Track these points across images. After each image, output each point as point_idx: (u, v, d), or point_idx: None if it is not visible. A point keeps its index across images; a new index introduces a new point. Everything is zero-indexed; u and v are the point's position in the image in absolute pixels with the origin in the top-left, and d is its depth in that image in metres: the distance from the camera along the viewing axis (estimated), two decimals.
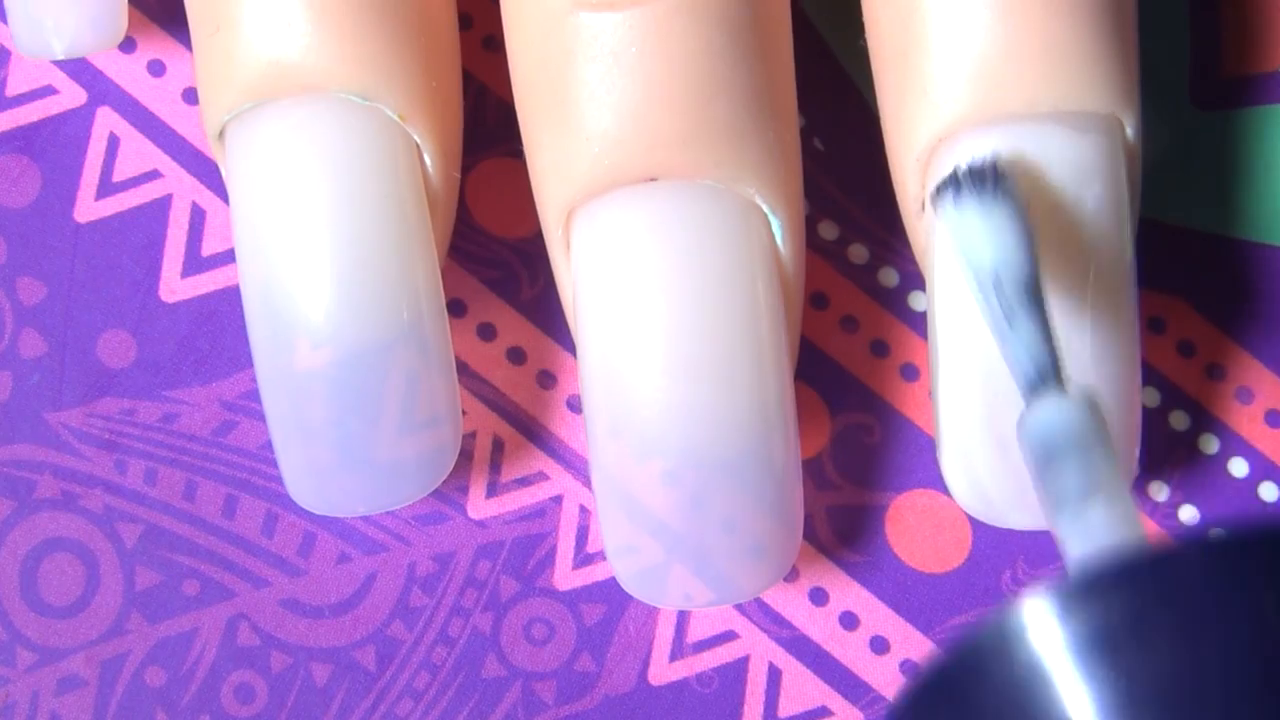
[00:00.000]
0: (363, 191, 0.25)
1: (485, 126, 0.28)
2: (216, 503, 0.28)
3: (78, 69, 0.29)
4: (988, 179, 0.23)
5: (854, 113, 0.28)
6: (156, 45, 0.29)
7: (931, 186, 0.25)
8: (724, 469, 0.25)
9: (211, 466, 0.28)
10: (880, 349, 0.28)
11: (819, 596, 0.28)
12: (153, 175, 0.29)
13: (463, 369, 0.28)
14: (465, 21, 0.29)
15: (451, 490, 0.28)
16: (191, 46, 0.26)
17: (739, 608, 0.28)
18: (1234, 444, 0.28)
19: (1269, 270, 0.28)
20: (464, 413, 0.28)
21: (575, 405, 0.28)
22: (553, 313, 0.28)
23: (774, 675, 0.28)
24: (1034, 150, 0.24)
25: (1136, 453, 0.26)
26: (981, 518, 0.26)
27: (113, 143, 0.29)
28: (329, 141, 0.25)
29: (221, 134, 0.26)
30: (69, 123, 0.29)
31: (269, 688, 0.28)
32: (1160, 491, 0.28)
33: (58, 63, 0.29)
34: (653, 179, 0.25)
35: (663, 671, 0.28)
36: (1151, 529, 0.28)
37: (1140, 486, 0.28)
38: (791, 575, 0.28)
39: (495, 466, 0.28)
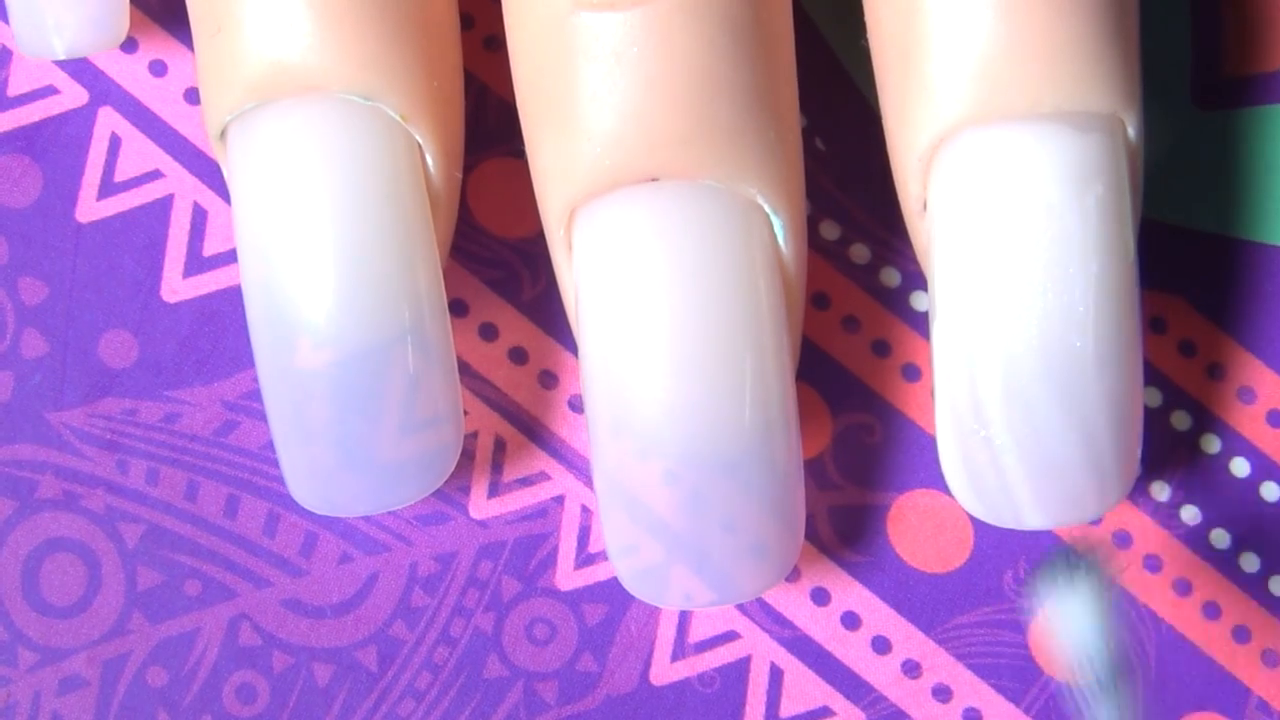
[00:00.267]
0: (364, 191, 0.25)
1: (487, 126, 0.28)
2: (218, 503, 0.28)
3: (79, 69, 0.29)
4: (1079, 564, 0.24)
5: (855, 112, 0.28)
6: (158, 45, 0.29)
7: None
8: (725, 469, 0.25)
9: (213, 466, 0.28)
10: (882, 349, 0.28)
11: (821, 596, 0.28)
12: (154, 175, 0.29)
13: (464, 369, 0.28)
14: (466, 21, 0.29)
15: (453, 490, 0.28)
16: (193, 46, 0.26)
17: (741, 608, 0.28)
18: (1235, 444, 0.28)
19: (1270, 270, 0.28)
20: (465, 413, 0.28)
21: (577, 405, 0.28)
22: (554, 313, 0.28)
23: (776, 675, 0.28)
24: (1036, 150, 0.24)
25: (1138, 453, 0.26)
26: (983, 518, 0.26)
27: (114, 143, 0.29)
28: (331, 142, 0.25)
29: (223, 134, 0.26)
30: (70, 123, 0.29)
31: (271, 688, 0.28)
32: (1162, 491, 0.28)
33: (59, 63, 0.29)
34: (654, 179, 0.25)
35: (664, 671, 0.28)
36: (1152, 530, 0.28)
37: (1142, 486, 0.28)
38: (793, 575, 0.28)
39: (497, 466, 0.28)
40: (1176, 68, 0.28)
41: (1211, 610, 0.28)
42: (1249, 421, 0.28)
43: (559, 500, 0.28)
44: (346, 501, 0.26)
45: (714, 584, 0.26)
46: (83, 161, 0.29)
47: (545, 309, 0.28)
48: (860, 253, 0.28)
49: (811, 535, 0.28)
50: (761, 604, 0.28)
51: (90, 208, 0.28)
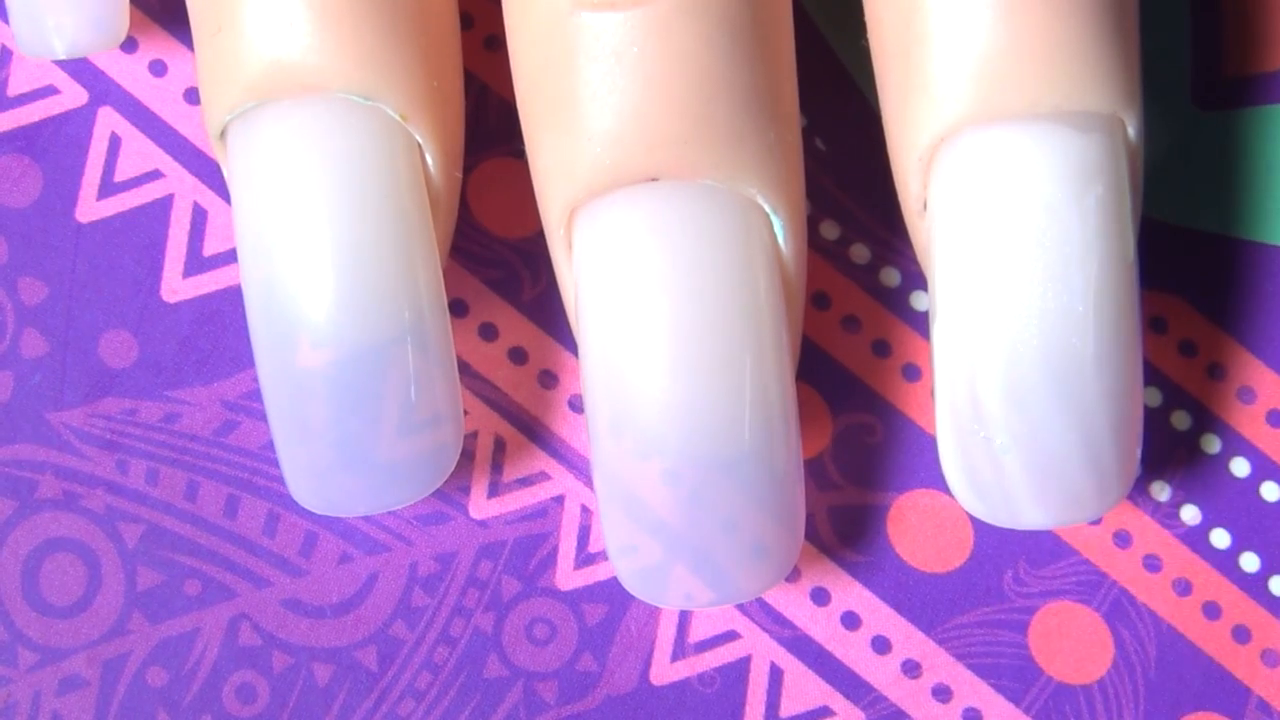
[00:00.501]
0: (364, 191, 0.25)
1: (487, 126, 0.28)
2: (218, 503, 0.28)
3: (79, 69, 0.29)
4: None
5: (855, 112, 0.28)
6: (158, 45, 0.29)
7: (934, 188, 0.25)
8: (725, 468, 0.25)
9: (213, 466, 0.28)
10: (882, 349, 0.28)
11: (821, 596, 0.28)
12: (154, 175, 0.29)
13: (464, 369, 0.28)
14: (466, 21, 0.29)
15: (453, 490, 0.28)
16: (193, 46, 0.26)
17: (740, 608, 0.28)
18: (1236, 444, 0.28)
19: (1271, 270, 0.28)
20: (465, 413, 0.28)
21: (577, 405, 0.28)
22: (554, 313, 0.28)
23: (776, 675, 0.28)
24: (1036, 150, 0.24)
25: (1138, 453, 0.26)
26: (983, 518, 0.26)
27: (114, 143, 0.29)
28: (331, 141, 0.25)
29: (223, 134, 0.26)
30: (70, 123, 0.29)
31: (271, 688, 0.28)
32: (1162, 491, 0.28)
33: (59, 62, 0.29)
34: (654, 179, 0.25)
35: (664, 671, 0.28)
36: (1153, 530, 0.28)
37: (1142, 486, 0.28)
38: (793, 575, 0.28)
39: (497, 466, 0.28)
40: (1176, 68, 0.28)
41: (1211, 610, 0.28)
42: (1249, 421, 0.28)
43: (559, 500, 0.28)
44: (346, 501, 0.26)
45: (714, 584, 0.26)
46: (83, 161, 0.29)
47: (545, 309, 0.28)
48: (860, 252, 0.28)
49: (811, 535, 0.28)
50: (761, 604, 0.28)
51: (90, 207, 0.28)
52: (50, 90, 0.29)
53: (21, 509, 0.28)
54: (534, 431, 0.28)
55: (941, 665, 0.28)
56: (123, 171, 0.29)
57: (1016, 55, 0.24)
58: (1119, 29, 0.25)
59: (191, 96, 0.29)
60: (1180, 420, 0.28)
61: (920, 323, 0.28)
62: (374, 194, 0.25)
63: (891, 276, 0.28)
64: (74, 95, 0.29)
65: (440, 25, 0.26)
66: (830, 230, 0.28)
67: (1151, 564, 0.28)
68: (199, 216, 0.29)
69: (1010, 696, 0.28)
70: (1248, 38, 0.29)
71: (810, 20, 0.28)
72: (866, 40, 0.26)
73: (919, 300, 0.28)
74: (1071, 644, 0.28)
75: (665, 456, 0.25)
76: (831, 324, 0.28)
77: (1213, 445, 0.28)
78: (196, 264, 0.28)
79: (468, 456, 0.28)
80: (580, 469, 0.28)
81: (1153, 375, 0.28)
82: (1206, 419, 0.28)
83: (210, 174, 0.29)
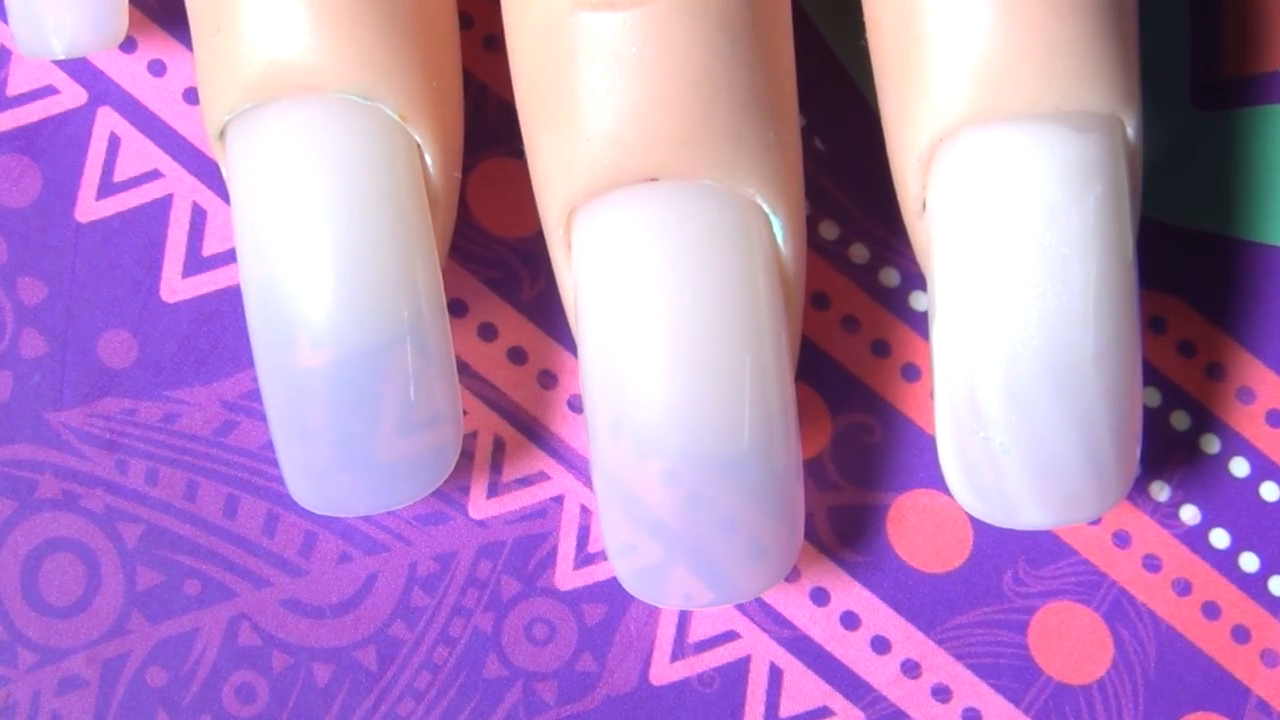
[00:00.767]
0: (363, 191, 0.25)
1: (486, 126, 0.28)
2: (217, 503, 0.28)
3: (78, 69, 0.29)
4: None
5: (855, 112, 0.28)
6: (157, 45, 0.29)
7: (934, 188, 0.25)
8: (724, 468, 0.25)
9: (212, 466, 0.28)
10: (881, 349, 0.28)
11: (820, 596, 0.28)
12: (153, 175, 0.29)
13: (463, 369, 0.28)
14: (465, 21, 0.29)
15: (452, 490, 0.28)
16: (192, 46, 0.26)
17: (740, 608, 0.28)
18: (1235, 444, 0.28)
19: (1269, 270, 0.28)
20: (465, 413, 0.28)
21: (576, 405, 0.28)
22: (554, 313, 0.28)
23: (775, 675, 0.28)
24: (1034, 150, 0.24)
25: (1138, 453, 0.26)
26: (982, 518, 0.26)
27: (113, 142, 0.29)
28: (330, 141, 0.25)
29: (222, 134, 0.26)
30: (70, 122, 0.29)
31: (270, 688, 0.28)
32: (1161, 491, 0.28)
33: (58, 62, 0.29)
34: (653, 179, 0.25)
35: (664, 671, 0.28)
36: (1152, 530, 0.28)
37: (1141, 486, 0.28)
38: (793, 575, 0.28)
39: (496, 466, 0.28)
40: (1175, 68, 0.28)
41: (1211, 610, 0.28)
42: (1248, 421, 0.28)
43: (558, 500, 0.28)
44: (346, 501, 0.26)
45: (713, 584, 0.26)
46: (82, 161, 0.29)
47: (544, 309, 0.28)
48: (859, 253, 0.28)
49: (811, 535, 0.28)
50: (761, 604, 0.28)
51: (89, 207, 0.28)
52: (49, 90, 0.29)
53: (21, 509, 0.28)
54: (533, 431, 0.28)
55: (941, 665, 0.28)
56: (122, 171, 0.29)
57: (1015, 55, 0.24)
58: (1118, 29, 0.25)
59: (191, 96, 0.29)
60: (1179, 420, 0.28)
61: (919, 323, 0.28)
62: (373, 194, 0.25)
63: (891, 276, 0.28)
64: (73, 95, 0.29)
65: (439, 25, 0.26)
66: (829, 230, 0.28)
67: (1151, 564, 0.28)
68: (198, 216, 0.29)
69: (1010, 696, 0.28)
70: (1246, 38, 0.29)
71: (810, 20, 0.28)
72: (866, 40, 0.26)
73: (918, 300, 0.28)
74: (1071, 644, 0.28)
75: (664, 456, 0.25)
76: (831, 324, 0.28)
77: (1212, 445, 0.28)
78: (196, 264, 0.28)
79: (467, 456, 0.28)
80: (579, 469, 0.28)
81: (1152, 375, 0.28)
82: (1206, 419, 0.28)
83: (209, 174, 0.29)
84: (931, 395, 0.26)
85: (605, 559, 0.28)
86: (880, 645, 0.28)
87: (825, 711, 0.28)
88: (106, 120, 0.29)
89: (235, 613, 0.28)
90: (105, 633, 0.28)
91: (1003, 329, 0.25)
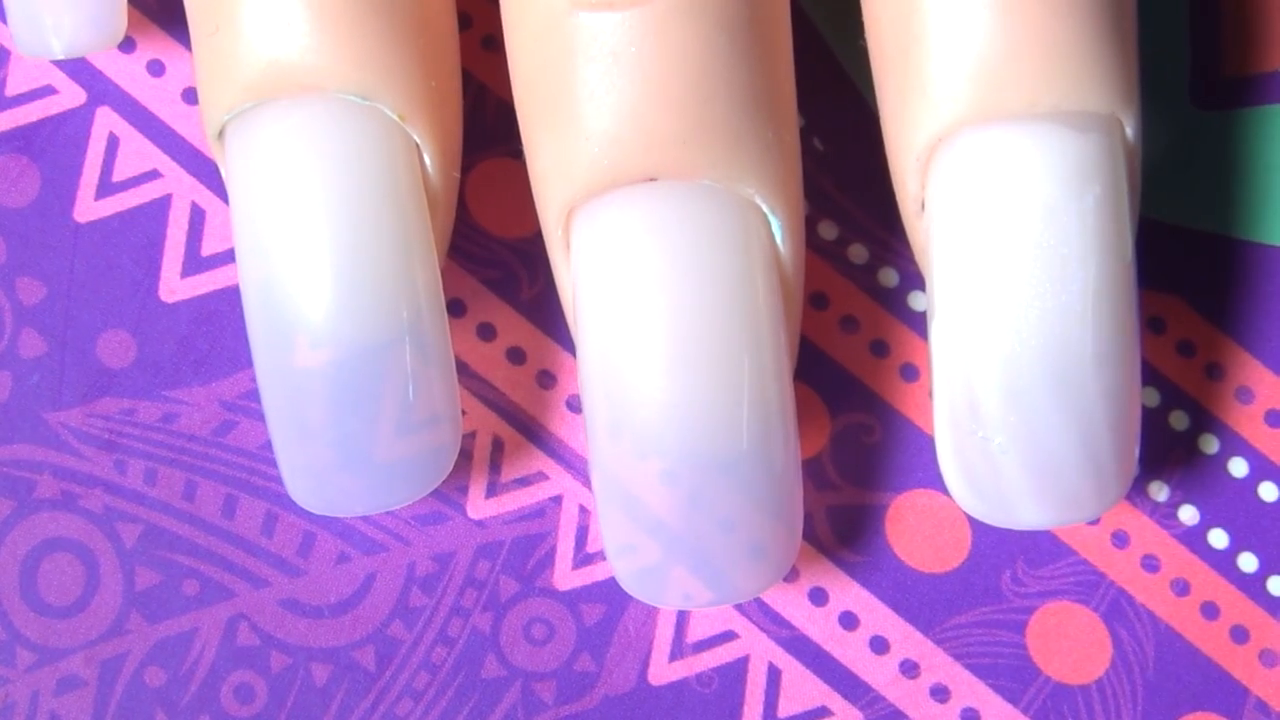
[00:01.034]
0: (362, 191, 0.25)
1: (485, 126, 0.28)
2: (216, 503, 0.28)
3: (77, 69, 0.29)
4: None
5: (854, 112, 0.28)
6: (156, 45, 0.29)
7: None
8: (724, 468, 0.25)
9: (211, 466, 0.28)
10: (880, 349, 0.28)
11: (819, 596, 0.28)
12: (152, 175, 0.29)
13: (462, 369, 0.28)
14: (464, 21, 0.29)
15: (451, 490, 0.28)
16: (191, 46, 0.26)
17: (739, 608, 0.28)
18: (1234, 444, 0.28)
19: (1269, 270, 0.28)
20: (464, 413, 0.28)
21: (575, 405, 0.28)
22: (552, 313, 0.28)
23: (774, 675, 0.28)
24: (1034, 150, 0.24)
25: (1136, 453, 0.26)
26: (981, 518, 0.26)
27: (112, 142, 0.29)
28: (328, 141, 0.25)
29: (221, 134, 0.26)
30: (69, 122, 0.29)
31: (269, 688, 0.28)
32: (1160, 491, 0.28)
33: (57, 62, 0.29)
34: (652, 179, 0.25)
35: (662, 671, 0.28)
36: (1151, 530, 0.28)
37: (1140, 486, 0.28)
38: (791, 575, 0.28)
39: (495, 466, 0.28)
40: (1174, 68, 0.28)
41: (1210, 610, 0.28)
42: (1247, 421, 0.28)
43: (557, 500, 0.28)
44: (344, 501, 0.26)
45: (712, 584, 0.26)
46: (81, 161, 0.29)
47: (543, 309, 0.28)
48: (858, 253, 0.28)
49: (810, 535, 0.28)
50: (760, 604, 0.28)
51: (88, 207, 0.28)
52: (48, 90, 0.29)
53: (20, 509, 0.28)
54: (532, 431, 0.28)
55: (940, 665, 0.28)
56: (121, 171, 0.29)
57: (1014, 55, 0.24)
58: (1117, 29, 0.25)
59: (189, 96, 0.29)
60: (1178, 420, 0.28)
61: (918, 323, 0.28)
62: (372, 194, 0.25)
63: (890, 276, 0.28)
64: (72, 95, 0.29)
65: (438, 25, 0.26)
66: (828, 230, 0.28)
67: (1150, 564, 0.28)
68: (197, 216, 0.29)
69: (1008, 696, 0.28)
70: (1246, 38, 0.29)
71: (809, 20, 0.28)
72: (865, 40, 0.26)
73: (917, 300, 0.28)
74: (1070, 644, 0.28)
75: (663, 457, 0.25)
76: (830, 324, 0.28)
77: (1211, 445, 0.28)
78: (195, 264, 0.28)
79: (466, 456, 0.28)
80: (578, 469, 0.28)
81: (1151, 375, 0.28)
82: (1204, 419, 0.28)
83: (208, 174, 0.29)
84: (930, 395, 0.26)
85: (604, 559, 0.28)
86: (879, 645, 0.28)
87: (824, 711, 0.28)
88: (105, 120, 0.29)
89: (234, 613, 0.28)
90: (104, 633, 0.28)
91: (1001, 329, 0.25)
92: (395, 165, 0.25)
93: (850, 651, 0.28)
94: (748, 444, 0.25)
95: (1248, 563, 0.28)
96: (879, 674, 0.28)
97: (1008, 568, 0.28)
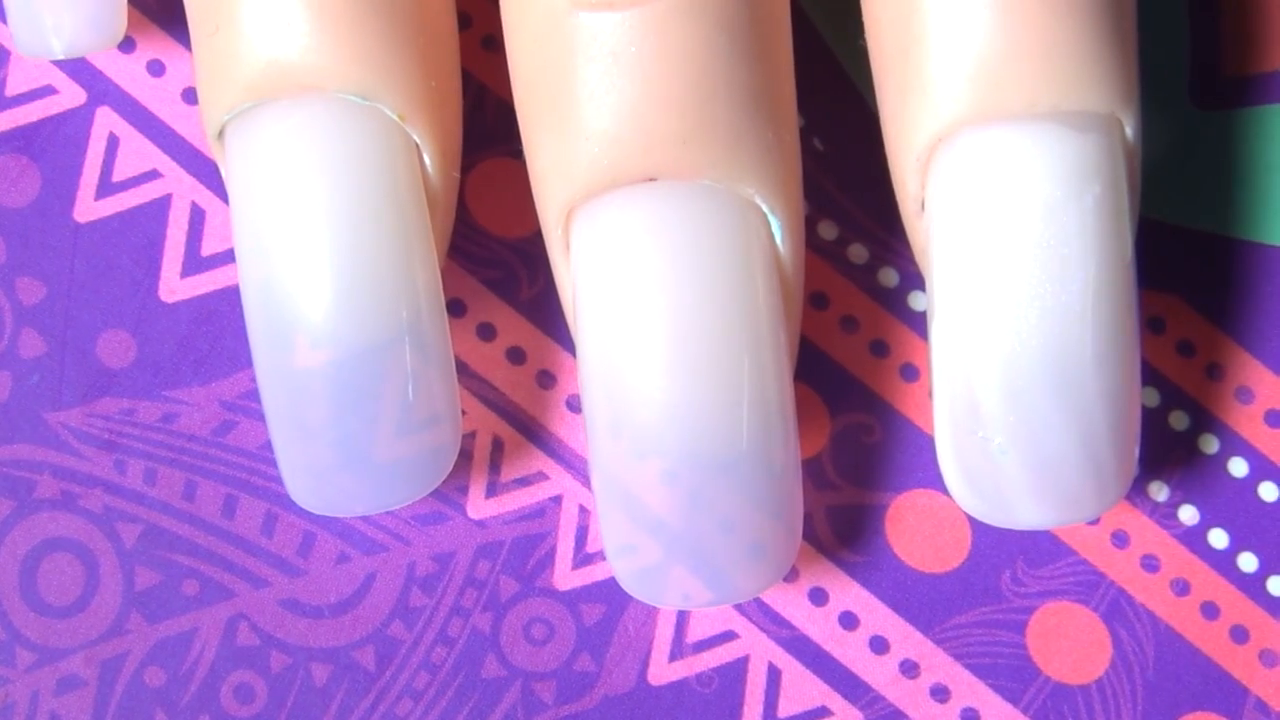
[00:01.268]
0: (362, 191, 0.25)
1: (485, 126, 0.28)
2: (216, 503, 0.28)
3: (77, 69, 0.29)
4: None
5: (854, 112, 0.28)
6: (156, 45, 0.29)
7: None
8: (724, 468, 0.25)
9: (211, 466, 0.28)
10: (880, 349, 0.28)
11: (819, 596, 0.28)
12: (152, 175, 0.29)
13: (462, 369, 0.28)
14: (464, 21, 0.29)
15: (451, 490, 0.28)
16: (191, 46, 0.26)
17: (738, 608, 0.28)
18: (1234, 444, 0.28)
19: (1269, 270, 0.28)
20: (464, 413, 0.28)
21: (575, 405, 0.28)
22: (552, 313, 0.28)
23: (774, 675, 0.28)
24: (1033, 150, 0.24)
25: (1136, 453, 0.26)
26: (981, 518, 0.26)
27: (112, 142, 0.29)
28: (328, 141, 0.25)
29: (221, 134, 0.26)
30: (69, 122, 0.29)
31: (268, 688, 0.28)
32: (1160, 491, 0.28)
33: (57, 62, 0.29)
34: (652, 179, 0.25)
35: (662, 671, 0.28)
36: (1151, 530, 0.28)
37: (1140, 486, 0.28)
38: (791, 575, 0.28)
39: (495, 466, 0.28)
40: (1174, 68, 0.28)
41: (1210, 610, 0.28)
42: (1247, 421, 0.28)
43: (557, 500, 0.28)
44: (344, 501, 0.26)
45: (712, 584, 0.26)
46: (81, 161, 0.29)
47: (543, 309, 0.28)
48: (858, 253, 0.28)
49: (810, 535, 0.28)
50: (759, 604, 0.28)
51: (88, 207, 0.28)
52: (48, 90, 0.29)
53: (19, 509, 0.28)
54: (532, 431, 0.28)
55: (940, 665, 0.28)
56: (121, 171, 0.29)
57: (1014, 55, 0.24)
58: (1117, 29, 0.25)
59: (189, 96, 0.29)
60: (1178, 420, 0.28)
61: (918, 323, 0.28)
62: (372, 194, 0.25)
63: (889, 276, 0.28)
64: (72, 95, 0.29)
65: (438, 25, 0.26)
66: (828, 230, 0.28)
67: (1149, 564, 0.28)
68: (197, 216, 0.29)
69: (1008, 696, 0.28)
70: (1246, 38, 0.29)
71: (809, 20, 0.28)
72: (864, 40, 0.26)
73: (917, 300, 0.28)
74: (1069, 644, 0.28)
75: (664, 457, 0.25)
76: (830, 324, 0.28)
77: (1211, 445, 0.28)
78: (194, 264, 0.28)
79: (466, 456, 0.28)
80: (578, 469, 0.28)
81: (1151, 375, 0.28)
82: (1204, 419, 0.28)
83: (208, 174, 0.29)
84: (930, 395, 0.26)
85: (604, 559, 0.28)
86: (879, 645, 0.28)
87: (824, 711, 0.28)
88: (105, 120, 0.29)
89: (234, 613, 0.28)
90: (104, 633, 0.28)
91: (1001, 329, 0.25)
92: (395, 165, 0.25)
93: (850, 651, 0.28)
94: (747, 444, 0.25)
95: (1248, 563, 0.28)
96: (879, 674, 0.28)
97: (1008, 568, 0.28)
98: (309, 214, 0.25)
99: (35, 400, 0.28)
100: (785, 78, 0.26)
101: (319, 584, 0.28)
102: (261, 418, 0.28)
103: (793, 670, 0.28)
